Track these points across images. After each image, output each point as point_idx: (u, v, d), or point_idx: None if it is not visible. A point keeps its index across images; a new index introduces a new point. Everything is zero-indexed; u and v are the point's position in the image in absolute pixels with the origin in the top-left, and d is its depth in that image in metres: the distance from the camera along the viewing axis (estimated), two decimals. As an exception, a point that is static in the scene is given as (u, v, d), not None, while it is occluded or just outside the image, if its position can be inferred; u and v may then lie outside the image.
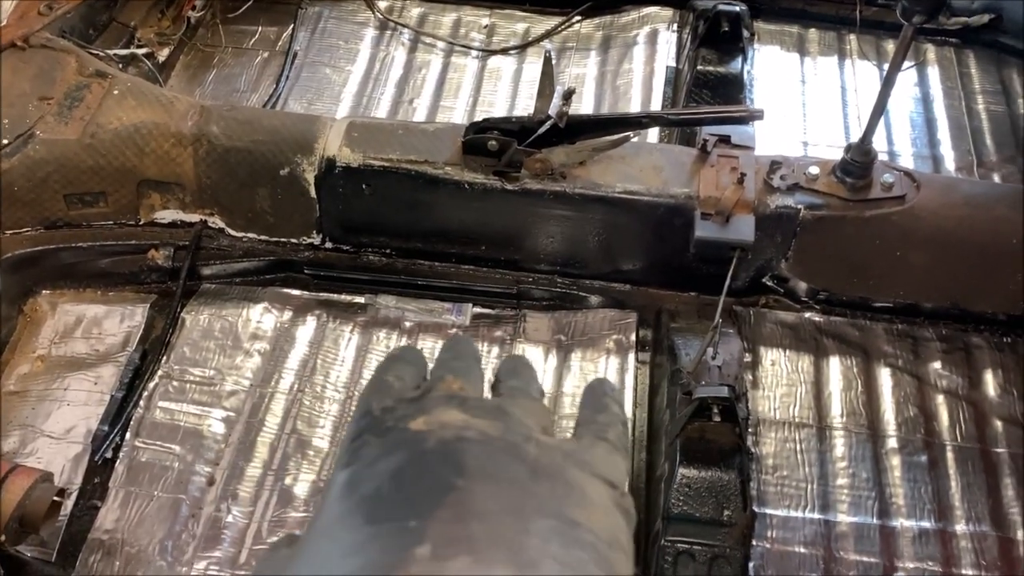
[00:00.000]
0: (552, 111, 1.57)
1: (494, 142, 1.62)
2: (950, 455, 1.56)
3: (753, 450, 1.54)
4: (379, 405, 0.51)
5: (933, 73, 2.25)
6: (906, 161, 2.04)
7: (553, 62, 1.62)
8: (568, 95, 1.57)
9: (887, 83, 1.49)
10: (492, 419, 0.47)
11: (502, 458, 0.44)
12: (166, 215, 1.78)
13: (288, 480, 1.54)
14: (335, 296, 1.79)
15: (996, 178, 2.02)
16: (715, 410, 1.37)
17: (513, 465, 0.44)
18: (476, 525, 0.40)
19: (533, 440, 0.47)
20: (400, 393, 0.52)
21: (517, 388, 0.55)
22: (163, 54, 2.18)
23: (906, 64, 2.24)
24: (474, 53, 2.27)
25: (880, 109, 1.53)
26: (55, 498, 1.37)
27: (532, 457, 0.45)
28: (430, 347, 1.72)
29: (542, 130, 1.58)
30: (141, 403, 1.61)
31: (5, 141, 1.64)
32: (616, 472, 0.50)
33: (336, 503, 0.44)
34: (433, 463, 0.43)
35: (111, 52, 2.06)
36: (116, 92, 1.73)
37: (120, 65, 2.04)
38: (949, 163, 2.05)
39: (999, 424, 1.60)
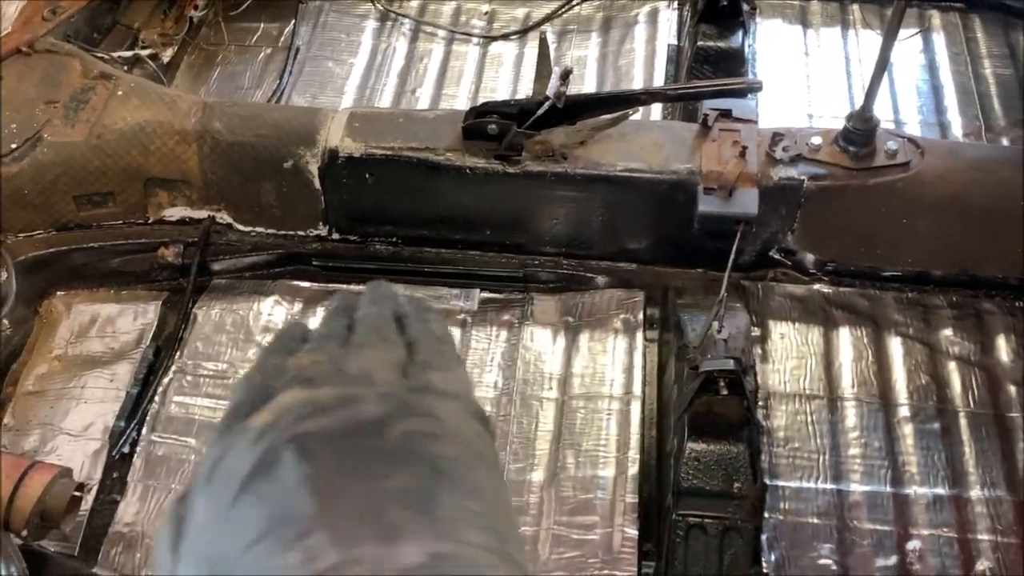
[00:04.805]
0: (550, 92, 1.57)
1: (494, 126, 1.62)
2: (963, 421, 1.55)
3: (763, 423, 1.54)
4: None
5: (939, 39, 2.22)
6: (913, 129, 2.02)
7: (550, 44, 1.62)
8: (566, 75, 1.57)
9: (885, 46, 1.48)
10: (332, 386, 0.48)
11: (344, 442, 0.45)
12: (174, 212, 1.80)
13: (303, 468, 1.56)
14: (344, 286, 1.80)
15: (1005, 143, 1.99)
16: (722, 383, 1.37)
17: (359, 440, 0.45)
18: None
19: (372, 396, 0.48)
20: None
21: (366, 333, 0.55)
22: (167, 55, 2.20)
23: (911, 31, 2.23)
24: (475, 40, 2.27)
25: (880, 74, 1.52)
26: (75, 493, 1.40)
27: (375, 417, 0.46)
28: (439, 333, 1.73)
29: (541, 111, 1.58)
30: (156, 398, 1.63)
31: (13, 146, 1.66)
32: (458, 385, 0.52)
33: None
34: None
35: (115, 55, 2.08)
36: (120, 93, 1.75)
37: (125, 67, 2.07)
38: (956, 129, 2.02)
39: (1012, 389, 1.59)
